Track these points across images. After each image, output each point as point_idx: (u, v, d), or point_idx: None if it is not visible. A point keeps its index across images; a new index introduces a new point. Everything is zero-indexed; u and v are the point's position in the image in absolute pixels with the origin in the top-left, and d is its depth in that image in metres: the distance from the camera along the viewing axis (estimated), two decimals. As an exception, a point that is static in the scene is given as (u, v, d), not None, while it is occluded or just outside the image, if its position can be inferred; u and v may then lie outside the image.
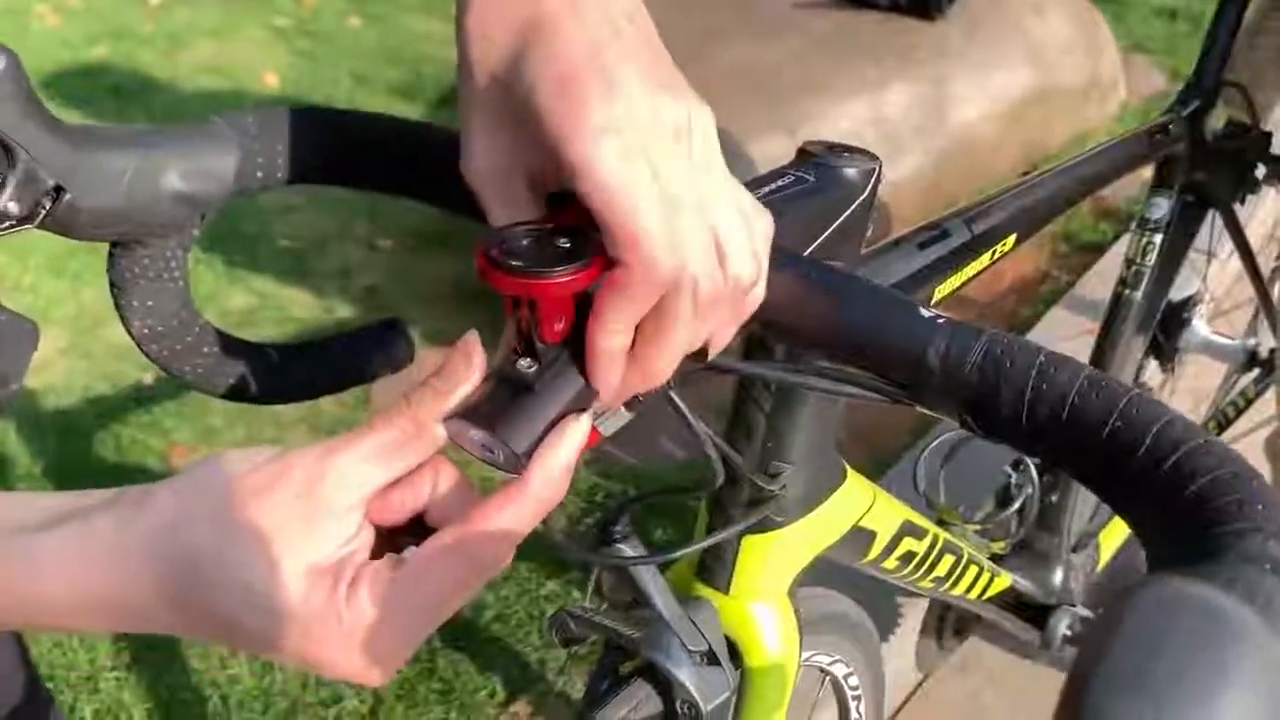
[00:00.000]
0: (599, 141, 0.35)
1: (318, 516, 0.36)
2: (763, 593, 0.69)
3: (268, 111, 0.48)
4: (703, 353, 0.42)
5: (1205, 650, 0.23)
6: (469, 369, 0.38)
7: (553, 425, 0.39)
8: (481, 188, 0.40)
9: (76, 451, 1.75)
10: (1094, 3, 2.89)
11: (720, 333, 0.41)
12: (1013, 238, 0.75)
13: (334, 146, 0.50)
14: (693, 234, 0.37)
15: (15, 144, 0.40)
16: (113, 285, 0.48)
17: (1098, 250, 2.28)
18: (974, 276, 0.71)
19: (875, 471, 1.67)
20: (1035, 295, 2.16)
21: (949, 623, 1.31)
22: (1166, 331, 1.35)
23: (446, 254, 2.27)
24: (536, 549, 1.56)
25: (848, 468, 0.70)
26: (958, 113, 2.31)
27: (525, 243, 0.38)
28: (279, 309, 2.14)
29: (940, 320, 0.40)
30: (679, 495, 1.59)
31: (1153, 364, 1.40)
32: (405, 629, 0.36)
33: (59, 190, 0.41)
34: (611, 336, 0.38)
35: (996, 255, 0.74)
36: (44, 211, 0.41)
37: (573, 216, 0.39)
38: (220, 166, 0.46)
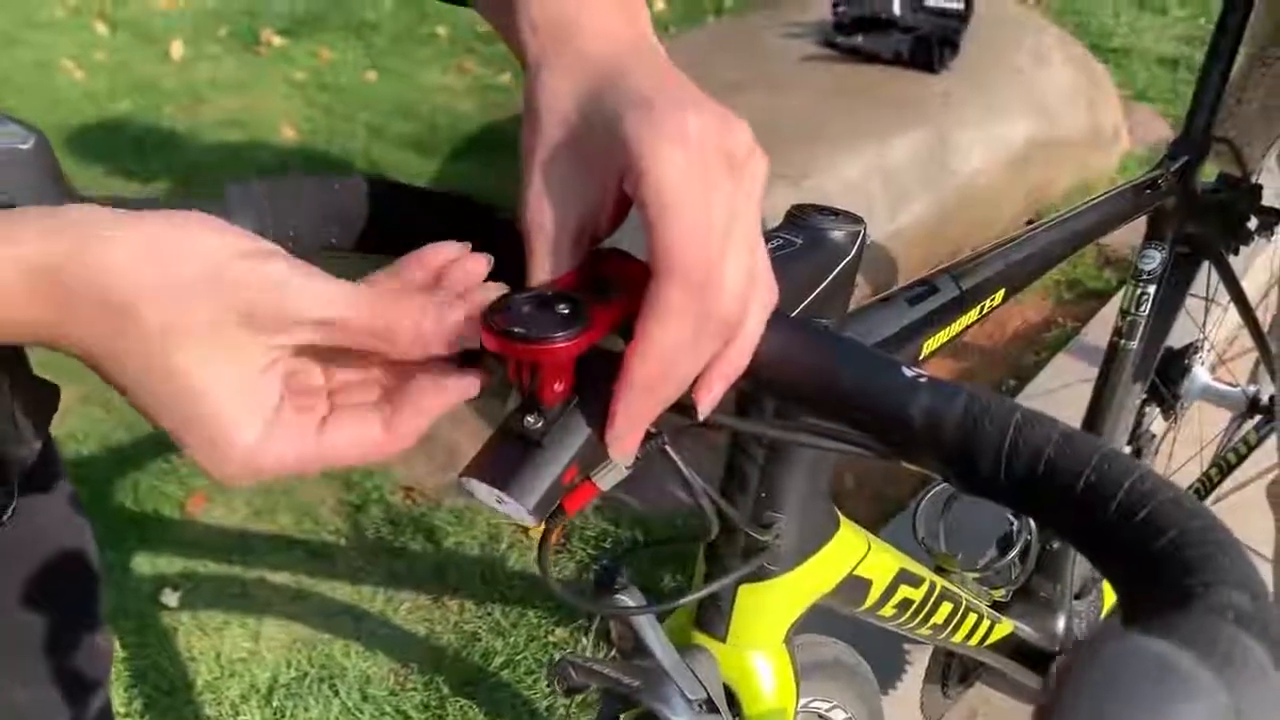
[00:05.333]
0: (668, 150, 0.38)
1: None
2: (759, 641, 0.70)
3: (276, 180, 0.51)
4: (693, 408, 0.44)
5: (1156, 705, 0.25)
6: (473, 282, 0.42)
7: (560, 479, 0.41)
8: (531, 235, 0.42)
9: (95, 499, 1.77)
10: (1096, 53, 2.93)
11: (707, 383, 0.42)
12: (1001, 293, 0.77)
13: (343, 214, 0.52)
14: (716, 257, 0.38)
15: None
16: None
17: (1102, 298, 2.29)
18: (963, 331, 0.74)
19: (880, 522, 1.68)
20: (1040, 342, 2.18)
21: (954, 670, 1.31)
22: (1167, 379, 1.37)
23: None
24: (543, 597, 1.57)
25: (841, 517, 0.72)
26: (961, 162, 2.34)
27: (526, 309, 0.40)
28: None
29: (922, 379, 0.42)
30: (678, 545, 1.60)
31: (1155, 411, 1.41)
32: (298, 465, 0.40)
33: None
34: (644, 360, 0.39)
35: (985, 310, 0.76)
36: None
37: (575, 280, 0.42)
38: None
